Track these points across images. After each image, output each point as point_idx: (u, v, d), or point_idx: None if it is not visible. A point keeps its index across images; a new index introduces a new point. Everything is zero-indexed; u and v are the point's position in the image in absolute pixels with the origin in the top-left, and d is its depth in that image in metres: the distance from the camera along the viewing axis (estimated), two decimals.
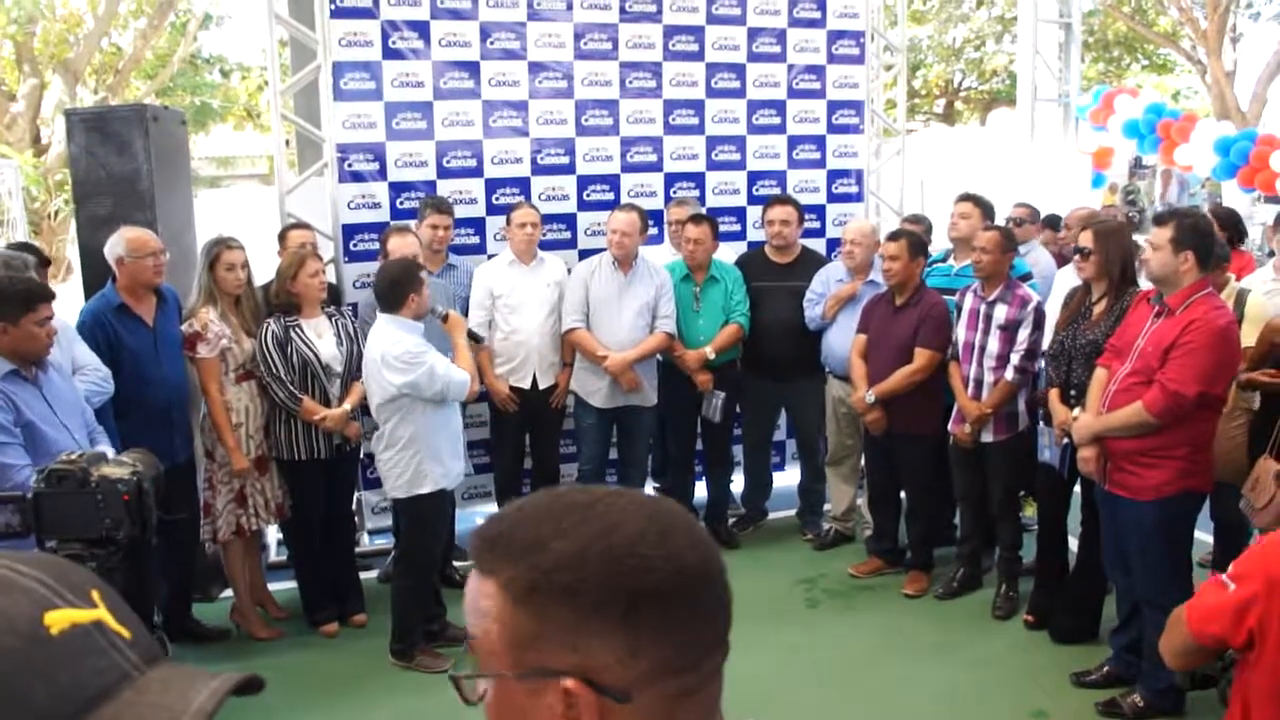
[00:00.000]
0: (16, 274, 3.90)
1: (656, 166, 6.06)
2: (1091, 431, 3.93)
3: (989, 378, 4.78)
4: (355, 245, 5.52)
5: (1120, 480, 3.88)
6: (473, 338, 4.58)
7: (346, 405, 4.62)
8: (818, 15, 6.27)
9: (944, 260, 5.60)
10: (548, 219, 5.56)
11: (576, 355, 5.40)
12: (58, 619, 0.65)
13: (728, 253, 5.87)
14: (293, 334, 4.55)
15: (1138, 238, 4.86)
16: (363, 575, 5.17)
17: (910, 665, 4.52)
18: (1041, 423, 4.55)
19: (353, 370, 4.63)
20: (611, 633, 0.83)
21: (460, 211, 5.52)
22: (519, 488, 5.57)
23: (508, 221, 5.35)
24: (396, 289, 4.19)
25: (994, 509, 4.97)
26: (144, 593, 3.66)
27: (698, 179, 6.15)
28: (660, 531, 0.86)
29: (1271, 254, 5.37)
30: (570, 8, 5.73)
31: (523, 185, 5.77)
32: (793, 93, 6.28)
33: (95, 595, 0.70)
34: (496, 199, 5.73)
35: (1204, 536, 4.66)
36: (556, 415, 5.51)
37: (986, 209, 5.41)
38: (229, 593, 4.93)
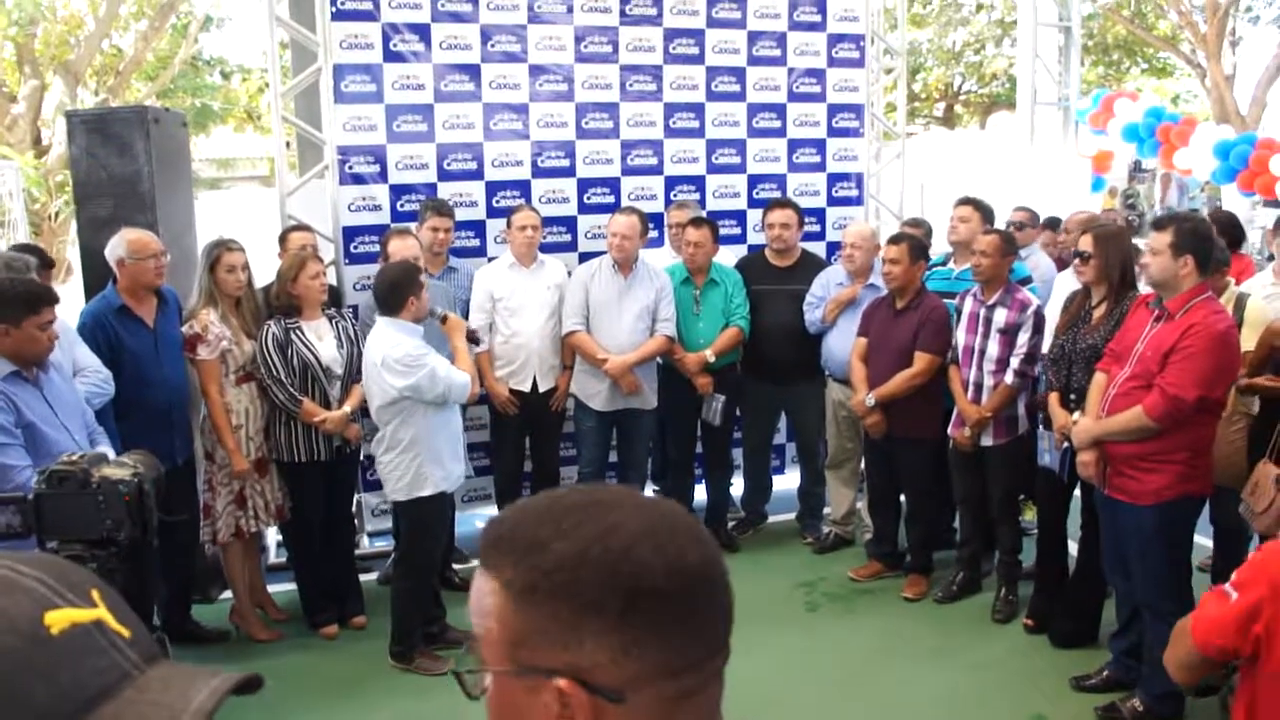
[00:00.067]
0: (20, 276, 3.90)
1: (657, 169, 6.06)
2: (1091, 436, 3.93)
3: (989, 381, 4.78)
4: (356, 247, 5.53)
5: (1120, 484, 3.88)
6: (470, 339, 4.58)
7: (347, 407, 4.63)
8: (818, 19, 6.28)
9: (944, 264, 5.61)
10: (548, 222, 5.56)
11: (576, 358, 5.41)
12: (58, 619, 0.66)
13: (728, 256, 5.87)
14: (293, 336, 4.56)
15: (1137, 241, 4.86)
16: (362, 577, 5.17)
17: (910, 669, 4.51)
18: (1041, 427, 4.55)
19: (353, 372, 4.63)
20: (608, 633, 0.83)
21: (461, 214, 5.52)
22: (519, 490, 5.57)
23: (508, 224, 5.35)
24: (396, 292, 4.19)
25: (994, 512, 4.97)
26: (144, 594, 3.66)
27: (698, 182, 6.16)
28: (660, 532, 0.87)
29: (1271, 258, 5.37)
30: (571, 11, 5.74)
31: (523, 188, 5.78)
32: (793, 96, 6.29)
33: (95, 595, 0.70)
34: (497, 202, 5.74)
35: (1204, 541, 4.65)
36: (556, 418, 5.51)
37: (986, 213, 5.42)
38: (228, 594, 4.93)
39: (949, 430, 5.00)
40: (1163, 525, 3.78)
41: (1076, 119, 10.15)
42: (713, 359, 5.48)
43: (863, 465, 5.70)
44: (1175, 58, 20.15)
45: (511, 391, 5.34)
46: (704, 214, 5.82)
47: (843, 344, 5.38)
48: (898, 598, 5.19)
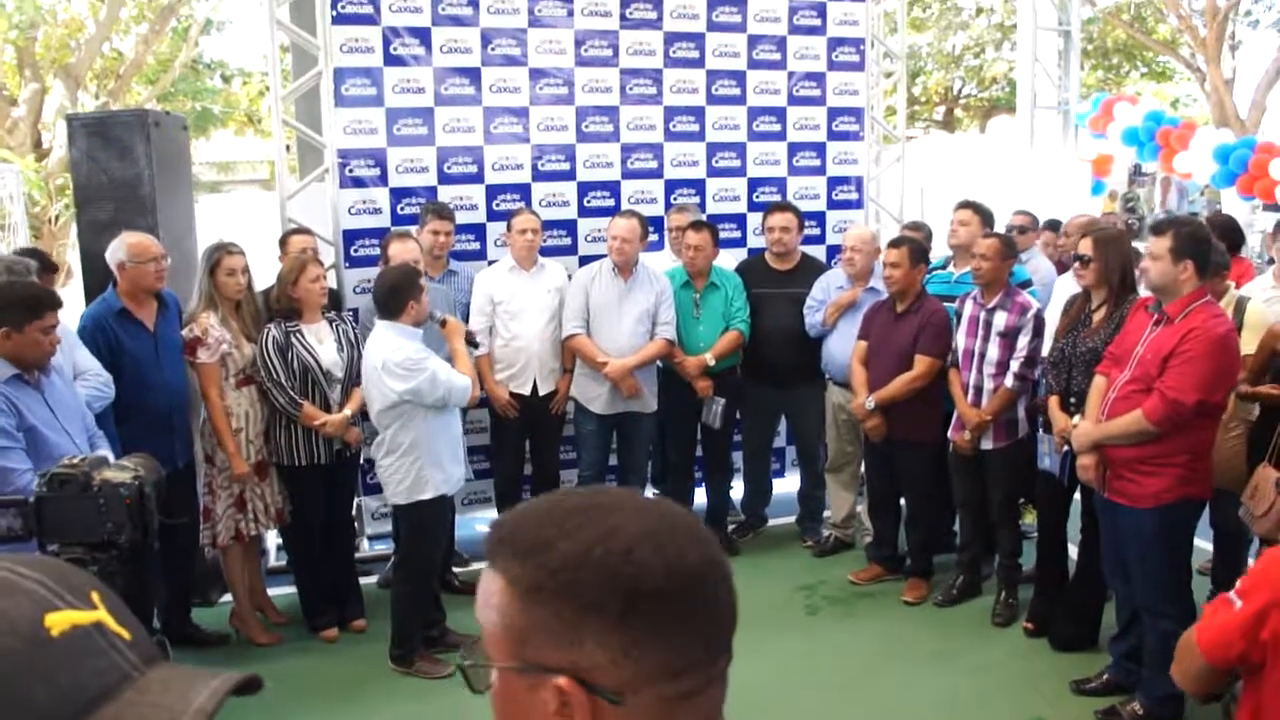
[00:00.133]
0: (23, 280, 3.90)
1: (657, 173, 6.07)
2: (1091, 439, 3.93)
3: (989, 385, 4.79)
4: (356, 250, 5.53)
5: (1119, 488, 3.88)
6: (469, 342, 4.58)
7: (347, 411, 4.62)
8: (818, 22, 6.28)
9: (944, 267, 5.61)
10: (548, 225, 5.57)
11: (577, 361, 5.41)
12: (58, 620, 0.66)
13: (728, 259, 5.87)
14: (293, 339, 4.56)
15: (1137, 245, 4.86)
16: (362, 580, 5.17)
17: (910, 672, 4.51)
18: (1041, 430, 4.55)
19: (353, 376, 4.63)
20: (608, 633, 0.84)
21: (461, 217, 5.53)
22: (519, 494, 5.57)
23: (508, 227, 5.36)
24: (396, 296, 4.19)
25: (994, 516, 4.97)
26: (144, 596, 3.65)
27: (698, 185, 6.16)
28: (661, 533, 0.88)
29: (1271, 261, 5.37)
30: (571, 14, 5.75)
31: (523, 191, 5.78)
32: (793, 100, 6.29)
33: (95, 597, 0.70)
34: (497, 205, 5.74)
35: (1203, 544, 4.65)
36: (557, 421, 5.51)
37: (986, 216, 5.43)
38: (228, 598, 4.93)
39: (949, 434, 5.00)
40: (1162, 528, 3.78)
41: (1076, 123, 10.16)
42: (713, 362, 5.48)
43: (863, 468, 5.70)
44: (1175, 62, 20.17)
45: (511, 395, 5.34)
46: (704, 217, 5.83)
47: (843, 347, 5.39)
48: (898, 601, 5.18)
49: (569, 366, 5.43)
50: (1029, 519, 5.36)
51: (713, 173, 6.19)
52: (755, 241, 6.17)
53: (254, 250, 4.89)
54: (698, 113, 6.10)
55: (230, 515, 4.63)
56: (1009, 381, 4.72)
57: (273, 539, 5.53)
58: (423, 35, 5.49)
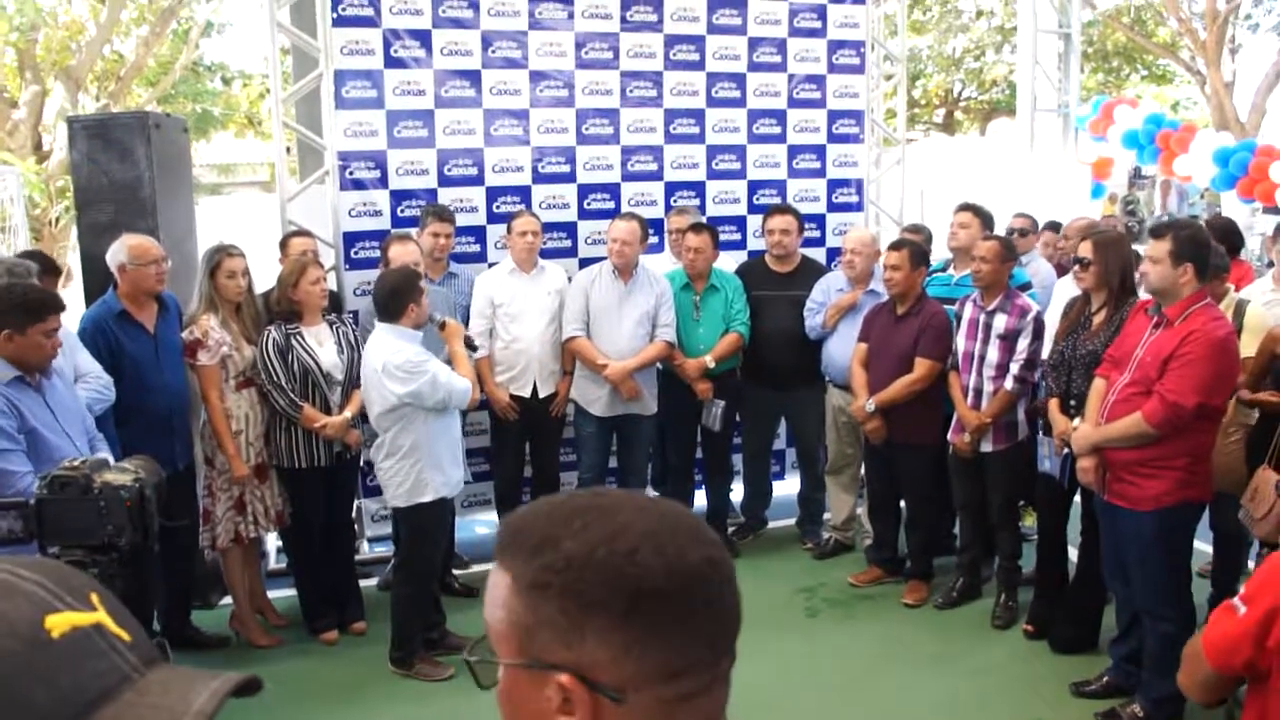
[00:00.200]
0: (26, 282, 3.90)
1: (657, 175, 6.07)
2: (1090, 442, 3.93)
3: (988, 387, 4.79)
4: (356, 253, 5.53)
5: (1119, 490, 3.88)
6: (467, 345, 4.58)
7: (347, 413, 4.63)
8: (818, 25, 6.29)
9: (943, 270, 5.62)
10: (548, 227, 5.57)
11: (577, 364, 5.41)
12: (58, 622, 0.66)
13: (728, 262, 5.87)
14: (294, 341, 4.56)
15: (1137, 247, 4.86)
16: (362, 583, 5.17)
17: (910, 674, 4.51)
18: (1041, 433, 4.55)
19: (353, 378, 4.63)
20: (610, 631, 0.86)
21: (461, 220, 5.53)
22: (519, 496, 5.57)
23: (508, 230, 5.36)
24: (396, 298, 4.19)
25: (993, 518, 4.97)
26: (144, 598, 3.65)
27: (698, 188, 6.17)
28: (663, 534, 0.89)
29: (1271, 264, 5.37)
30: (571, 17, 5.75)
31: (523, 193, 5.79)
32: (793, 102, 6.30)
33: (95, 599, 0.70)
34: (497, 207, 5.74)
35: (1203, 547, 4.66)
36: (557, 423, 5.51)
37: (986, 219, 5.43)
38: (228, 600, 4.93)
39: (949, 436, 5.00)
40: (1162, 531, 3.78)
41: (1076, 125, 10.16)
42: (712, 365, 5.48)
43: (863, 471, 5.70)
44: (1175, 65, 20.19)
45: (512, 397, 5.34)
46: (704, 219, 5.83)
47: (843, 349, 5.39)
48: (898, 603, 5.18)
49: (569, 369, 5.43)
50: (1029, 521, 5.36)
51: (713, 175, 6.19)
52: (755, 244, 6.17)
53: (254, 252, 4.89)
54: (698, 115, 6.10)
55: (230, 517, 4.63)
56: (1009, 384, 4.72)
57: (273, 541, 5.52)
58: (423, 37, 5.49)
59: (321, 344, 4.64)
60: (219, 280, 4.55)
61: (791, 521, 6.14)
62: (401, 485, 4.30)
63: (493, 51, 5.63)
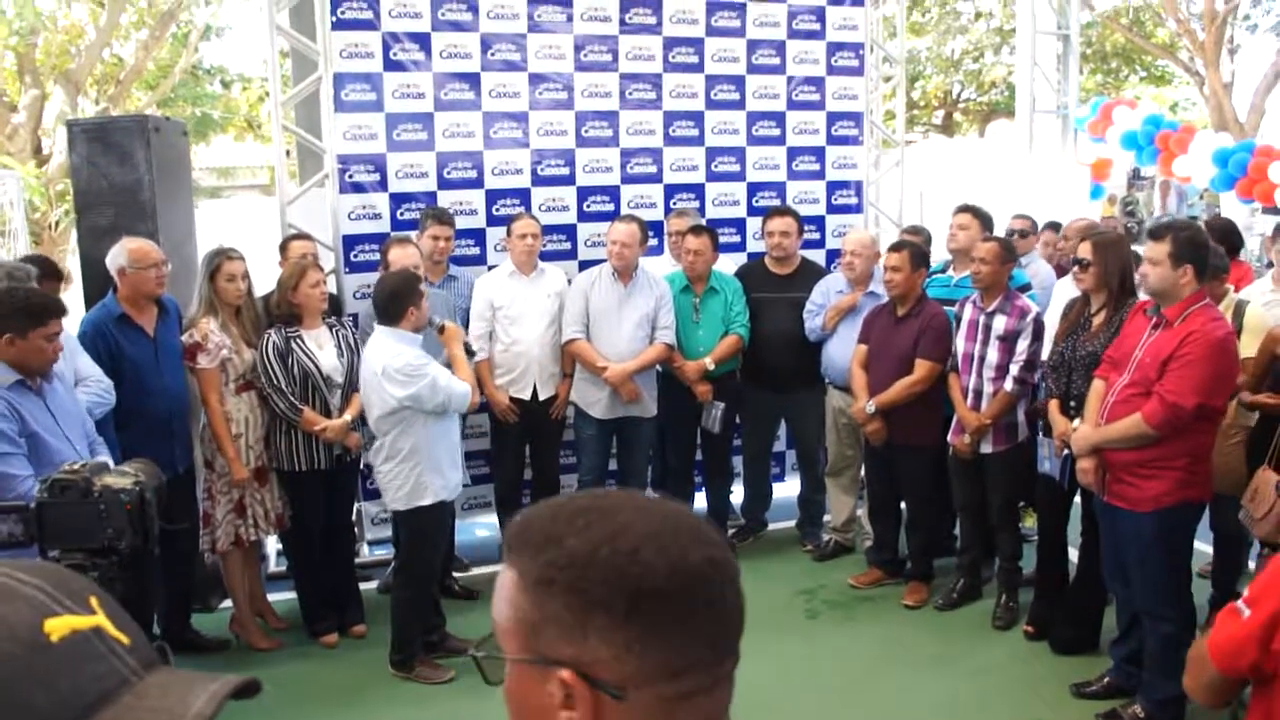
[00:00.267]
0: (27, 286, 3.90)
1: (656, 178, 6.07)
2: (1090, 443, 3.93)
3: (988, 388, 4.79)
4: (356, 256, 5.53)
5: (1119, 491, 3.88)
6: (466, 350, 4.58)
7: (347, 416, 4.63)
8: (817, 27, 6.29)
9: (943, 271, 5.62)
10: (548, 230, 5.57)
11: (576, 366, 5.41)
12: (58, 626, 0.66)
13: (727, 264, 5.87)
14: (294, 345, 4.56)
15: (1136, 248, 4.87)
16: (362, 586, 5.17)
17: (910, 676, 4.51)
18: (1041, 434, 4.55)
19: (353, 381, 4.63)
20: (611, 629, 0.87)
21: (461, 222, 5.53)
22: (519, 498, 5.57)
23: (508, 232, 5.36)
24: (396, 301, 4.19)
25: (993, 519, 4.97)
26: (145, 602, 3.65)
27: (697, 190, 6.17)
28: (665, 533, 0.90)
29: (1270, 265, 5.37)
30: (570, 20, 5.75)
31: (523, 196, 5.79)
32: (792, 104, 6.30)
33: (94, 602, 0.70)
34: (497, 210, 5.75)
35: (1204, 547, 4.66)
36: (556, 426, 5.51)
37: (985, 220, 5.43)
38: (228, 603, 4.93)
39: (949, 437, 5.00)
40: (1162, 532, 3.78)
41: (1075, 127, 10.17)
42: (712, 367, 5.48)
43: (863, 472, 5.70)
44: (1173, 65, 20.19)
45: (511, 399, 5.34)
46: (703, 222, 5.83)
47: (843, 351, 5.39)
48: (898, 605, 5.18)
49: (569, 371, 5.43)
50: (1029, 522, 5.36)
51: (712, 177, 6.20)
52: (755, 246, 6.17)
53: (254, 255, 4.89)
54: (697, 117, 6.11)
55: (230, 520, 4.63)
56: (1008, 385, 4.72)
57: (273, 544, 5.52)
58: (422, 40, 5.50)
59: (321, 347, 4.64)
60: (219, 283, 4.55)
61: (791, 523, 6.14)
62: (401, 489, 4.30)
63: (492, 54, 5.64)
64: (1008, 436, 4.83)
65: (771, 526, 6.18)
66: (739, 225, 6.31)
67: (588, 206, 5.95)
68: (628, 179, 6.01)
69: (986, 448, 4.85)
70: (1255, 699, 2.13)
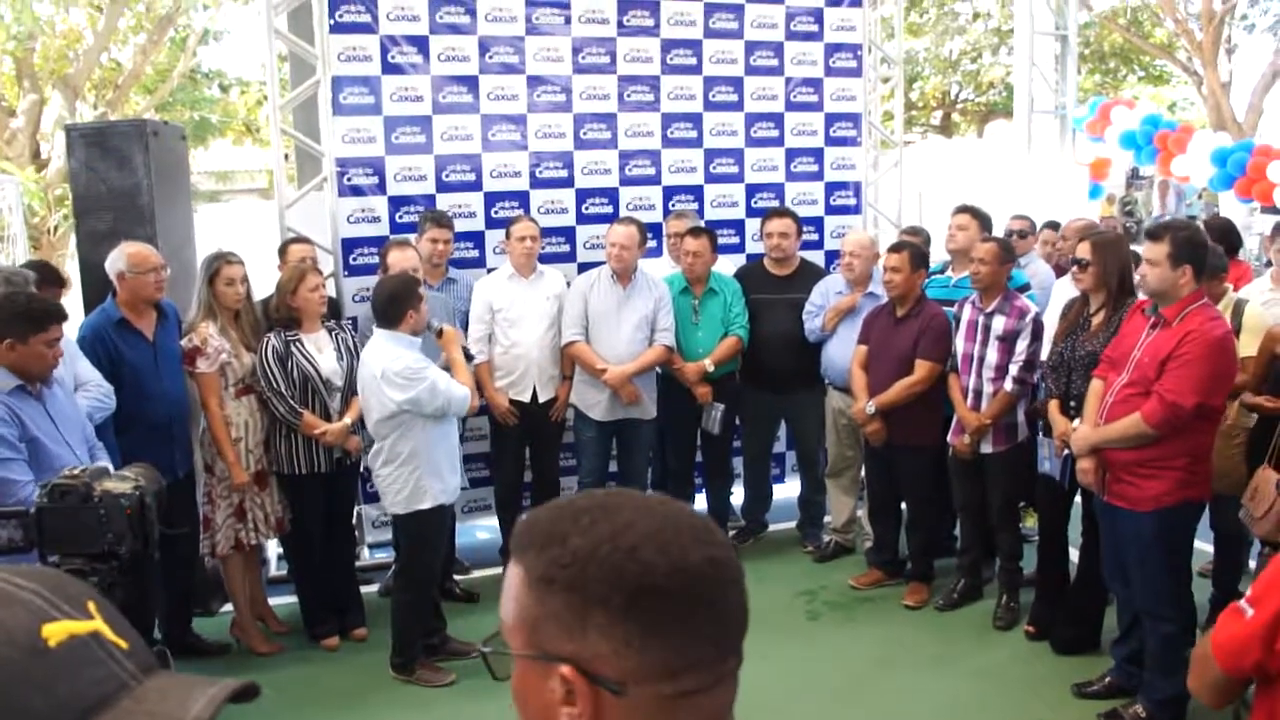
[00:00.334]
0: (27, 292, 3.90)
1: (655, 179, 6.07)
2: (1089, 443, 3.93)
3: (988, 389, 4.79)
4: (355, 259, 5.53)
5: (1119, 491, 3.88)
6: (464, 354, 4.58)
7: (347, 419, 4.63)
8: (815, 29, 6.30)
9: (942, 272, 5.62)
10: (546, 232, 5.57)
11: (576, 368, 5.41)
12: (55, 631, 0.66)
13: (726, 265, 5.88)
14: (293, 348, 4.56)
15: (1135, 248, 4.87)
16: (363, 589, 5.17)
17: (911, 677, 4.51)
18: (1041, 434, 4.55)
19: (353, 384, 4.63)
20: (611, 626, 0.88)
21: (459, 225, 5.53)
22: (519, 501, 5.57)
23: (507, 235, 5.36)
24: (394, 304, 4.19)
25: (994, 520, 4.97)
26: (145, 607, 3.65)
27: (696, 192, 6.17)
28: (667, 532, 0.91)
29: (1269, 264, 5.37)
30: (568, 22, 5.75)
31: (521, 199, 5.79)
32: (790, 105, 6.30)
33: (92, 607, 0.70)
34: (495, 212, 5.75)
35: (1204, 547, 4.66)
36: (556, 428, 5.51)
37: (984, 220, 5.43)
38: (229, 607, 4.93)
39: (949, 438, 5.00)
40: (1162, 531, 3.78)
41: (1074, 127, 10.17)
42: (712, 368, 5.48)
43: (863, 473, 5.69)
44: (1171, 65, 20.19)
45: (511, 402, 5.34)
46: (702, 223, 5.83)
47: (842, 352, 5.39)
48: (899, 606, 5.18)
49: (568, 373, 5.43)
50: (1030, 523, 5.36)
51: (711, 179, 6.20)
52: (754, 247, 6.17)
53: (253, 259, 4.89)
54: (695, 119, 6.11)
55: (230, 524, 4.63)
56: (1008, 385, 4.72)
57: (273, 548, 5.52)
58: (420, 44, 5.50)
59: (321, 350, 4.64)
60: (218, 287, 4.55)
61: (792, 524, 6.14)
62: (400, 492, 4.29)
63: (490, 57, 5.64)
64: (1008, 437, 4.83)
65: (772, 528, 6.18)
66: (738, 227, 6.31)
67: (586, 209, 5.95)
68: (626, 181, 6.01)
69: (986, 448, 4.85)
70: (1259, 698, 2.13)
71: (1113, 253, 4.26)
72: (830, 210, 6.51)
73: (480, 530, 6.17)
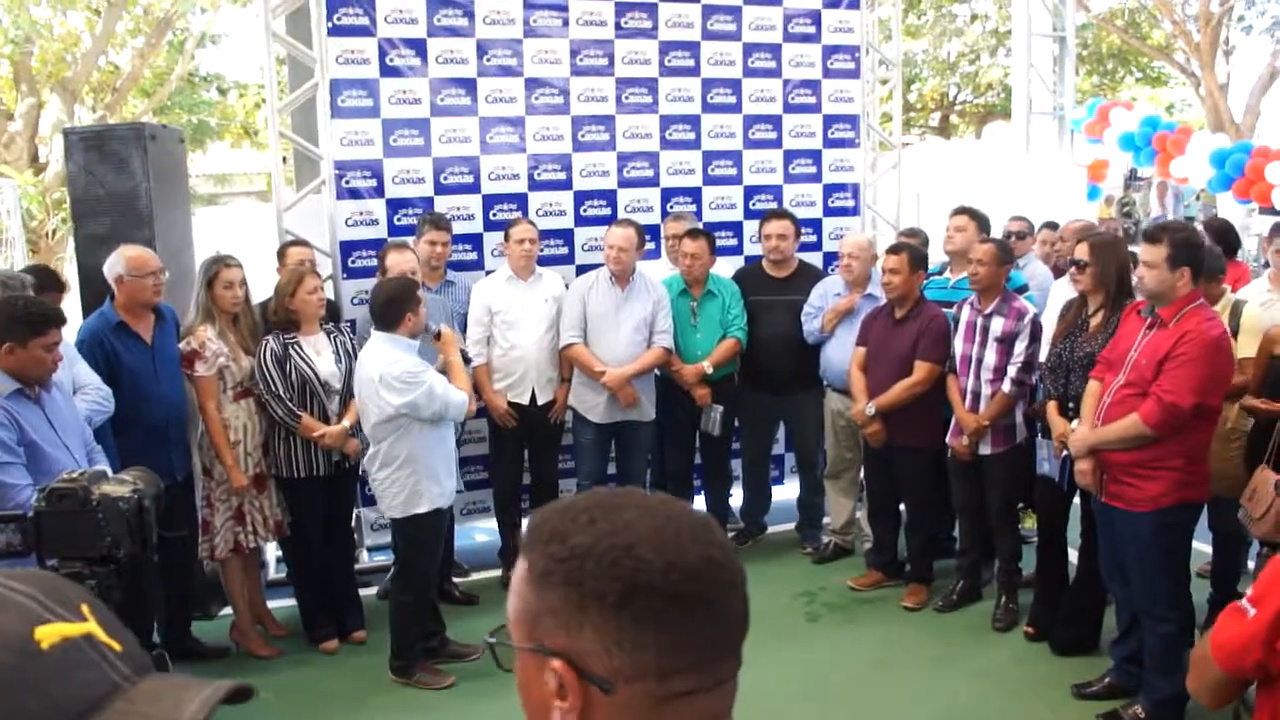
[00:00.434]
0: (26, 296, 3.90)
1: (653, 181, 6.07)
2: (1087, 444, 3.93)
3: (986, 390, 4.79)
4: (353, 262, 5.53)
5: (1117, 492, 3.88)
6: (462, 357, 4.57)
7: (345, 422, 4.62)
8: (813, 30, 6.30)
9: (940, 273, 5.62)
10: (545, 234, 5.57)
11: (574, 370, 5.41)
12: (48, 633, 0.66)
13: (725, 267, 5.88)
14: (291, 351, 4.56)
15: (1134, 249, 4.87)
16: (362, 592, 5.16)
17: (910, 678, 4.51)
18: (1040, 435, 4.55)
19: (351, 387, 4.63)
20: (603, 623, 0.89)
21: (458, 227, 5.53)
22: (518, 503, 5.57)
23: (505, 237, 5.36)
24: (393, 307, 4.19)
25: (993, 521, 4.97)
26: (144, 610, 3.64)
27: (694, 194, 6.17)
28: (666, 532, 0.91)
29: (1267, 265, 5.37)
30: (566, 25, 5.76)
31: (520, 201, 5.79)
32: (788, 107, 6.31)
33: (85, 609, 0.71)
34: (494, 215, 5.75)
35: (1202, 547, 4.66)
36: (555, 430, 5.51)
37: (982, 222, 5.44)
38: (228, 611, 4.92)
39: (948, 439, 5.00)
40: (1160, 532, 3.78)
41: (1072, 128, 10.17)
42: (710, 370, 5.48)
43: (861, 474, 5.69)
44: (1169, 67, 20.22)
45: (510, 404, 5.34)
46: (700, 225, 5.83)
47: (841, 354, 5.39)
48: (898, 607, 5.18)
49: (567, 376, 5.43)
50: (1029, 524, 5.36)
51: (709, 180, 6.20)
52: (752, 249, 6.17)
53: (251, 262, 4.89)
54: (693, 121, 6.11)
55: (229, 528, 4.63)
56: (1006, 387, 4.72)
57: (272, 551, 5.52)
58: (418, 46, 5.50)
59: (319, 353, 4.64)
60: (216, 291, 4.55)
61: (791, 526, 6.14)
62: (397, 497, 4.29)
63: (488, 59, 5.64)
64: (1006, 438, 4.83)
65: (771, 529, 6.18)
66: (736, 228, 6.31)
67: (584, 211, 5.95)
68: (624, 183, 6.01)
69: (985, 449, 4.85)
70: (1261, 698, 2.12)
71: (1111, 254, 4.27)
72: (828, 212, 6.52)
73: (479, 533, 6.17)
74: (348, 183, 5.48)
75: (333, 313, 5.07)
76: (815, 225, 6.45)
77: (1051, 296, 5.39)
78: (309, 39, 5.34)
